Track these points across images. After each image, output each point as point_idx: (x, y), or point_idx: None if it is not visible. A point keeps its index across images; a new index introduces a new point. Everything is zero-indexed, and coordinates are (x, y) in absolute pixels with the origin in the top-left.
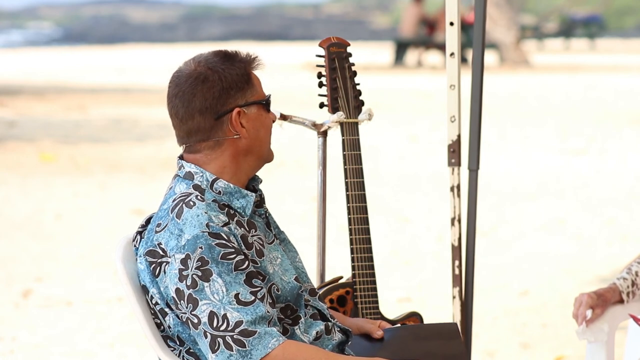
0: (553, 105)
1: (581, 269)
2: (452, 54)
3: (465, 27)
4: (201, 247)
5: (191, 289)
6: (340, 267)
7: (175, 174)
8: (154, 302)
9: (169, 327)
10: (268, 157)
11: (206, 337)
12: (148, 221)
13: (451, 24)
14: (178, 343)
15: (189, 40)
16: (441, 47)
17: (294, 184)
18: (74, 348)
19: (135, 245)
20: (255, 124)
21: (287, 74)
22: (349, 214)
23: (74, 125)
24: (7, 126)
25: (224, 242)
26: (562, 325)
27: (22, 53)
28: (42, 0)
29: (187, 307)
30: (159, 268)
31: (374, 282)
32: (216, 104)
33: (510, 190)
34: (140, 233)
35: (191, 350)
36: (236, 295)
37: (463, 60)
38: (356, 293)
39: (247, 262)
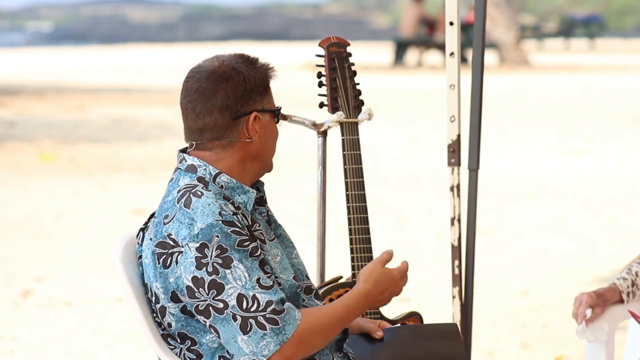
0: (553, 105)
1: (581, 269)
2: (452, 54)
3: (465, 27)
4: (217, 236)
5: (213, 275)
6: (340, 267)
7: (175, 168)
8: (154, 299)
9: (169, 325)
10: (270, 166)
11: (235, 320)
12: (152, 218)
13: (451, 23)
14: (179, 341)
15: (189, 40)
16: (441, 47)
17: (294, 184)
18: (74, 348)
19: (138, 242)
20: (266, 131)
21: (287, 74)
22: (348, 213)
23: (74, 125)
24: (7, 126)
25: (238, 229)
26: (562, 325)
27: (22, 53)
28: (42, 0)
29: (208, 294)
30: (170, 259)
31: None
32: (237, 104)
33: (510, 190)
34: (143, 230)
35: (192, 347)
36: (258, 280)
37: (463, 60)
38: None
39: (259, 250)
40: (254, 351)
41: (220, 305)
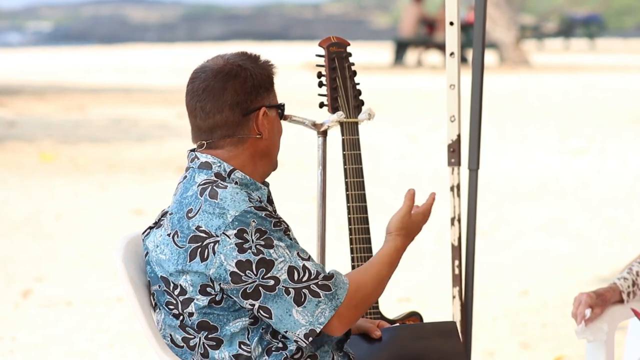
0: (553, 105)
1: (581, 269)
2: (452, 54)
3: (465, 27)
4: (254, 221)
5: (260, 255)
6: (340, 267)
7: (187, 167)
8: (177, 292)
9: (190, 315)
10: (276, 164)
11: (288, 294)
12: (163, 216)
13: (451, 23)
14: (196, 330)
15: (189, 40)
16: (441, 47)
17: (294, 184)
18: (74, 348)
19: (143, 239)
20: (273, 126)
21: (287, 74)
22: (349, 213)
23: (74, 125)
24: (7, 126)
25: (269, 212)
26: (562, 325)
27: (22, 53)
28: (42, 0)
29: (257, 274)
30: (206, 250)
31: None
32: (246, 100)
33: (510, 190)
34: (152, 228)
35: (210, 336)
36: (298, 254)
37: (463, 60)
38: None
39: (288, 232)
40: (310, 321)
41: (271, 282)
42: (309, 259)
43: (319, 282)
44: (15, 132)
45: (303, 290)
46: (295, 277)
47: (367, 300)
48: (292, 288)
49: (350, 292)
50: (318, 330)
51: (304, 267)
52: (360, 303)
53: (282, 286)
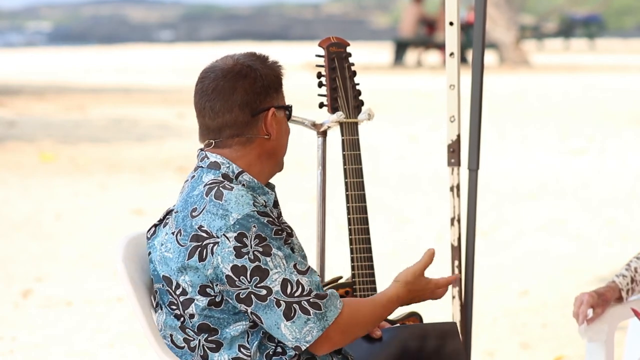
0: (553, 105)
1: (581, 269)
2: (451, 54)
3: (465, 27)
4: (255, 226)
5: (256, 262)
6: (340, 267)
7: (196, 166)
8: (178, 292)
9: (190, 316)
10: (282, 165)
11: (279, 306)
12: (168, 214)
13: (451, 23)
14: (196, 332)
15: (189, 40)
16: (441, 47)
17: (294, 184)
18: (74, 348)
19: (148, 237)
20: (281, 128)
21: (287, 74)
22: (348, 214)
23: (74, 125)
24: (7, 126)
25: (271, 219)
26: (562, 325)
27: (21, 53)
28: (42, 0)
29: (250, 281)
30: (205, 250)
31: (374, 282)
32: (256, 100)
33: (510, 190)
34: (156, 225)
35: (210, 338)
36: (295, 266)
37: (463, 60)
38: (356, 293)
39: (289, 239)
40: (297, 337)
41: (263, 292)
42: (307, 271)
43: (311, 300)
44: (15, 132)
45: (294, 305)
46: (288, 291)
47: (356, 328)
48: (284, 301)
49: (342, 315)
50: (304, 348)
51: (298, 282)
52: (350, 329)
53: (274, 297)
